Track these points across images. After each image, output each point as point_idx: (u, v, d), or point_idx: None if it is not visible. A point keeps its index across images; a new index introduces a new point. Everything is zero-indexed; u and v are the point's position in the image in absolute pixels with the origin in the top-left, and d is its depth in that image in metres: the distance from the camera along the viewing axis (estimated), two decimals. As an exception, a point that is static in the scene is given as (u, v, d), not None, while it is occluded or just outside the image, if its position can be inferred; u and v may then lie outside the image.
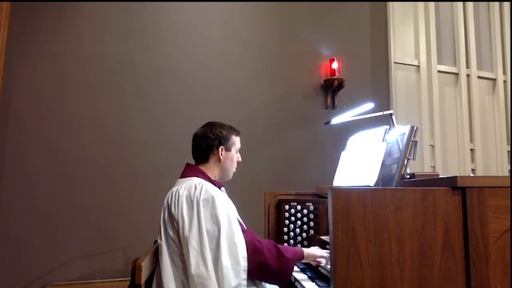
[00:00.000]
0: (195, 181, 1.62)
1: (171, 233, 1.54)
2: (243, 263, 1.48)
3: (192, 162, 1.78)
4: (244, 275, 1.47)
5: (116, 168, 2.71)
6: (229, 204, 1.61)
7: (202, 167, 1.73)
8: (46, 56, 2.67)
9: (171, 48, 2.93)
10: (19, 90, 2.59)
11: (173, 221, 1.54)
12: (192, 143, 1.78)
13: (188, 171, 1.72)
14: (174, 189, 1.62)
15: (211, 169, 1.74)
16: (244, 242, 1.51)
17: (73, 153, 2.64)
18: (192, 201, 1.53)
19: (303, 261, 1.68)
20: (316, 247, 1.82)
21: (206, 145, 1.73)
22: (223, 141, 1.74)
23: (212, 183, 1.67)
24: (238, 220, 1.62)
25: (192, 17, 3.01)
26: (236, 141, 1.80)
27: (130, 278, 1.37)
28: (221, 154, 1.73)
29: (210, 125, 1.78)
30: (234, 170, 1.82)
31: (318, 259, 1.67)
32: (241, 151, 1.85)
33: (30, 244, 2.49)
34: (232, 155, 1.78)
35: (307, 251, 1.67)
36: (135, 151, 2.76)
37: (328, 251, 1.75)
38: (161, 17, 2.93)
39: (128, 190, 2.71)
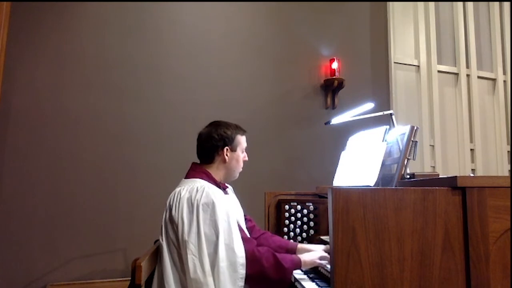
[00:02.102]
0: (198, 183, 1.60)
1: (171, 235, 1.54)
2: (241, 271, 1.46)
3: (196, 161, 1.77)
4: (241, 283, 1.46)
5: (116, 168, 2.71)
6: (231, 209, 1.59)
7: (207, 168, 1.72)
8: (46, 56, 2.67)
9: (171, 47, 2.93)
10: (19, 90, 2.58)
11: (173, 223, 1.54)
12: (196, 143, 1.76)
13: (193, 172, 1.70)
14: (177, 190, 1.61)
15: (216, 170, 1.72)
16: (243, 250, 1.49)
17: (73, 153, 2.64)
18: (192, 204, 1.52)
19: (302, 268, 1.63)
20: (313, 245, 1.82)
21: (210, 146, 1.70)
22: (228, 142, 1.71)
23: (217, 185, 1.66)
24: (240, 227, 1.60)
25: (192, 17, 3.01)
26: (241, 140, 1.77)
27: (130, 278, 1.37)
28: (226, 155, 1.71)
29: (215, 125, 1.74)
30: (240, 169, 1.79)
31: (319, 262, 1.63)
32: (242, 151, 1.84)
33: (30, 244, 2.49)
34: (238, 155, 1.75)
35: (304, 259, 1.62)
36: (135, 151, 2.76)
37: (325, 247, 1.75)
38: (160, 17, 2.93)
39: (128, 190, 2.71)
